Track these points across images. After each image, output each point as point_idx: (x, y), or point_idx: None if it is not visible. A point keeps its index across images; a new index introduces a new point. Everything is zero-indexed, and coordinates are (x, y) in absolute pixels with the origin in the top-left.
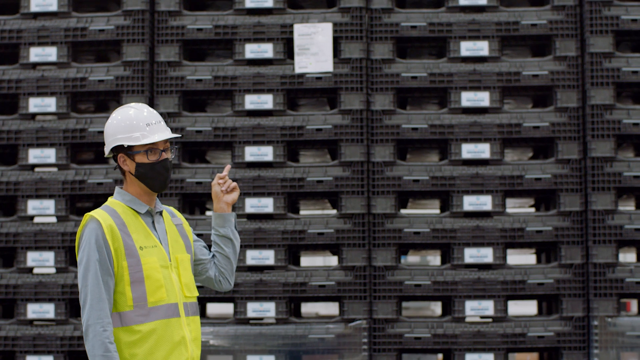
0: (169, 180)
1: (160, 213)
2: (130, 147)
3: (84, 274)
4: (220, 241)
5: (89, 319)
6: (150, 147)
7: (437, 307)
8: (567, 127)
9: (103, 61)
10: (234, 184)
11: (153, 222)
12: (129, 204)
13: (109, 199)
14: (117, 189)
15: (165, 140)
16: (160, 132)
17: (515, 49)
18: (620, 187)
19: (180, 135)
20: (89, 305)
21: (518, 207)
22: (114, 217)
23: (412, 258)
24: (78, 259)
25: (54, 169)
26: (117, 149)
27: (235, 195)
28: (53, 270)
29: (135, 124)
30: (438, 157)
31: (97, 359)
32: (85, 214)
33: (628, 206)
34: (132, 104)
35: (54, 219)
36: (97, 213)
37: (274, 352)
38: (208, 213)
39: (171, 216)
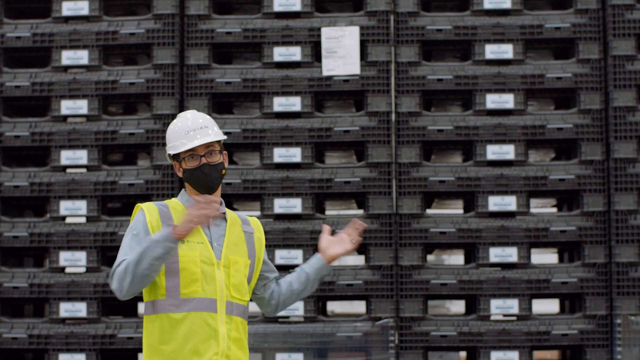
0: (214, 182)
1: (223, 217)
2: (177, 154)
3: (121, 247)
4: (300, 278)
5: (121, 257)
6: (191, 154)
7: (451, 305)
8: (590, 128)
9: (131, 64)
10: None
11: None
12: (185, 203)
13: (173, 199)
14: (182, 191)
15: (208, 145)
16: (199, 137)
17: (538, 51)
18: None
19: (224, 137)
20: (122, 252)
21: (540, 208)
22: (161, 210)
23: (429, 257)
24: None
25: (83, 170)
26: (172, 157)
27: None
28: (85, 270)
29: (177, 132)
30: (462, 158)
31: (158, 249)
32: (137, 204)
33: None
34: (186, 112)
35: (85, 219)
36: (145, 204)
37: (302, 350)
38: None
39: (243, 223)
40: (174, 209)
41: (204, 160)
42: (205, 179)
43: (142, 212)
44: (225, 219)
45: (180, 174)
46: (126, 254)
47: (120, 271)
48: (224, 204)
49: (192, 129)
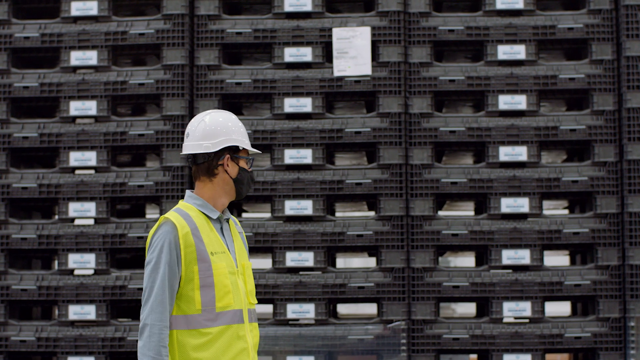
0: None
1: (227, 220)
2: (238, 151)
3: (151, 273)
4: None
5: (147, 318)
6: (248, 157)
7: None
8: (603, 130)
9: (140, 65)
10: None
11: (222, 228)
12: (200, 208)
13: (180, 202)
14: (188, 192)
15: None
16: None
17: (550, 52)
18: None
19: (260, 152)
20: (150, 306)
21: (552, 209)
22: (188, 221)
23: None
24: (147, 258)
25: (92, 172)
26: (225, 150)
27: None
28: (94, 272)
29: (244, 131)
30: (472, 160)
31: (147, 359)
32: (161, 216)
33: None
34: (229, 113)
35: (94, 221)
36: (172, 216)
37: (313, 352)
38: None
39: (236, 224)
40: (197, 217)
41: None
42: (252, 185)
43: (171, 225)
44: (228, 222)
45: (229, 171)
46: (160, 296)
47: (142, 336)
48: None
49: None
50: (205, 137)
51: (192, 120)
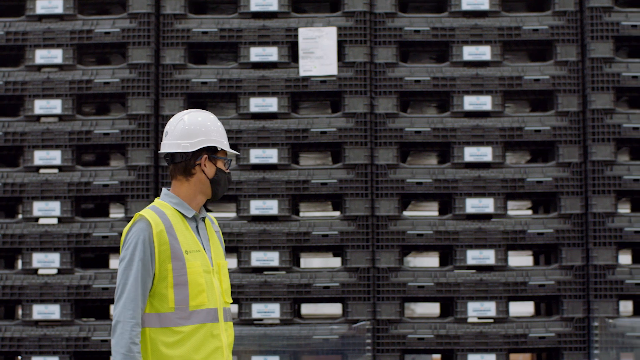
0: None
1: (203, 219)
2: (216, 151)
3: (124, 270)
4: None
5: (119, 315)
6: (231, 158)
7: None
8: (567, 131)
9: (105, 64)
10: None
11: (197, 227)
12: (176, 206)
13: (157, 199)
14: (164, 190)
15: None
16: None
17: (515, 53)
18: (620, 190)
19: (239, 153)
20: (122, 303)
21: (516, 210)
22: (163, 219)
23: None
24: (121, 255)
25: (57, 171)
26: (203, 150)
27: None
28: (59, 272)
29: (223, 132)
30: (437, 160)
31: (119, 357)
32: (136, 214)
33: (628, 209)
34: (210, 113)
35: (59, 221)
36: (147, 213)
37: (278, 352)
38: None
39: (212, 223)
40: (172, 215)
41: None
42: (228, 186)
43: (146, 223)
44: (204, 221)
45: (206, 171)
46: (132, 293)
47: (115, 333)
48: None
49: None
50: (183, 136)
51: (172, 119)
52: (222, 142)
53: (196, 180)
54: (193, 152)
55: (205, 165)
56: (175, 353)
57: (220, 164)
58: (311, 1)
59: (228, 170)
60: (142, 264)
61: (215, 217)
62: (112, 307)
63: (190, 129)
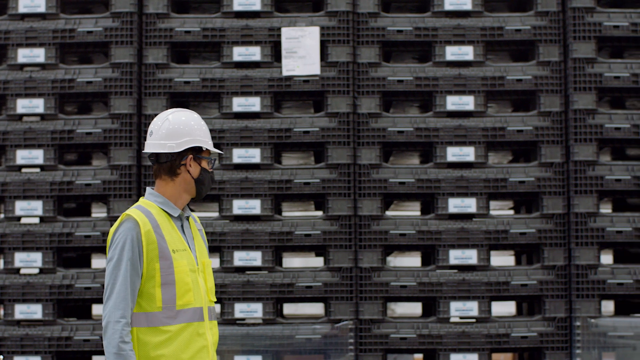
0: None
1: (187, 218)
2: (201, 151)
3: (112, 270)
4: None
5: (110, 315)
6: (215, 158)
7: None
8: (550, 131)
9: (87, 63)
10: None
11: (182, 226)
12: (161, 206)
13: (141, 199)
14: (148, 189)
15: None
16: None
17: (498, 53)
18: (602, 190)
19: (222, 152)
20: (112, 303)
21: (498, 210)
22: (150, 218)
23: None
24: (109, 255)
25: (39, 170)
26: (188, 150)
27: None
28: (41, 271)
29: (203, 130)
30: (419, 160)
31: (111, 357)
32: (123, 213)
33: (610, 209)
34: (184, 110)
35: (41, 220)
36: (134, 213)
37: (261, 352)
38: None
39: (195, 222)
40: (158, 215)
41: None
42: (212, 185)
43: (133, 222)
44: (188, 220)
45: (191, 171)
46: (122, 293)
47: (106, 334)
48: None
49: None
50: (169, 136)
51: (156, 118)
52: (207, 142)
53: (181, 180)
54: (178, 152)
55: (190, 165)
56: (162, 352)
57: (204, 164)
58: (294, 1)
59: (212, 170)
60: (131, 263)
61: (198, 217)
62: (94, 306)
63: (176, 128)
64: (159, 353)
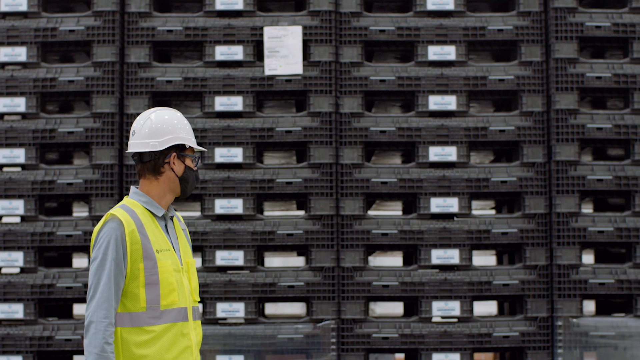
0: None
1: (171, 218)
2: (184, 149)
3: (96, 270)
4: None
5: (93, 315)
6: (199, 156)
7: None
8: (532, 131)
9: (69, 62)
10: None
11: (166, 226)
12: (146, 205)
13: (125, 198)
14: (133, 188)
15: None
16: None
17: (480, 53)
18: (584, 190)
19: (206, 150)
20: (95, 303)
21: (480, 210)
22: (134, 218)
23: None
24: (93, 255)
25: (20, 169)
26: (171, 148)
27: None
28: (22, 271)
29: (186, 128)
30: (401, 160)
31: (92, 357)
32: (107, 213)
33: (591, 209)
34: (166, 109)
35: (22, 219)
36: (119, 213)
37: (243, 352)
38: None
39: (179, 221)
40: (142, 214)
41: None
42: (196, 184)
43: (118, 222)
44: (172, 220)
45: (175, 169)
46: (106, 293)
47: (88, 333)
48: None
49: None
50: (151, 135)
51: (138, 117)
52: (190, 140)
53: (165, 179)
54: (162, 151)
55: (174, 164)
56: (146, 352)
57: (188, 162)
58: (276, 0)
59: (196, 168)
60: (115, 263)
61: (181, 216)
62: (75, 306)
63: (158, 127)
64: (142, 353)
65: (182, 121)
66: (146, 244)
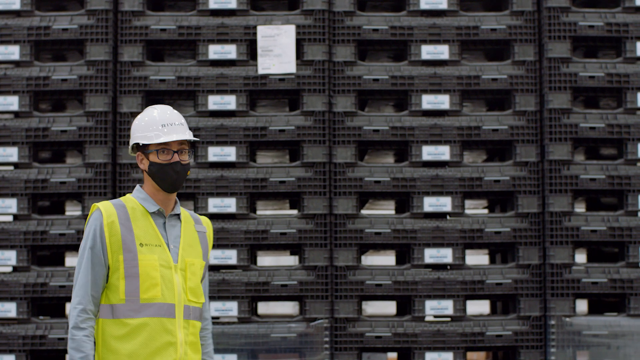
0: (180, 181)
1: (178, 216)
2: (146, 145)
3: (79, 260)
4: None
5: (72, 302)
6: (163, 147)
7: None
8: (525, 130)
9: (62, 61)
10: None
11: (164, 223)
12: (141, 201)
13: (127, 195)
14: (137, 186)
15: (181, 142)
16: (176, 133)
17: (473, 53)
18: (577, 190)
19: (198, 139)
20: (74, 291)
21: (473, 209)
22: (119, 210)
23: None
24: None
25: (13, 168)
26: (137, 147)
27: None
28: (15, 269)
29: (152, 123)
30: (394, 159)
31: (69, 342)
32: (94, 204)
33: (584, 208)
34: (162, 106)
35: (15, 218)
36: (102, 204)
37: (236, 351)
38: None
39: (195, 222)
40: (132, 209)
41: (176, 157)
42: (175, 176)
43: (99, 213)
44: (179, 219)
45: (143, 167)
46: (82, 280)
47: (71, 321)
48: (178, 203)
49: (170, 123)
50: (131, 136)
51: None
52: (145, 136)
53: (146, 176)
54: (135, 151)
55: (142, 162)
56: (123, 346)
57: (153, 157)
58: None
59: (170, 160)
60: (93, 252)
61: (206, 219)
62: (68, 305)
63: (133, 129)
64: (119, 346)
65: (145, 118)
66: (127, 237)
